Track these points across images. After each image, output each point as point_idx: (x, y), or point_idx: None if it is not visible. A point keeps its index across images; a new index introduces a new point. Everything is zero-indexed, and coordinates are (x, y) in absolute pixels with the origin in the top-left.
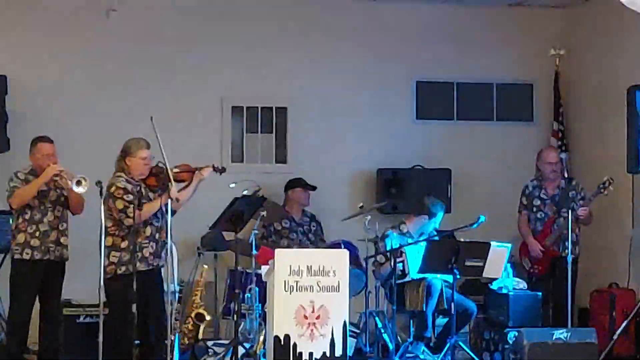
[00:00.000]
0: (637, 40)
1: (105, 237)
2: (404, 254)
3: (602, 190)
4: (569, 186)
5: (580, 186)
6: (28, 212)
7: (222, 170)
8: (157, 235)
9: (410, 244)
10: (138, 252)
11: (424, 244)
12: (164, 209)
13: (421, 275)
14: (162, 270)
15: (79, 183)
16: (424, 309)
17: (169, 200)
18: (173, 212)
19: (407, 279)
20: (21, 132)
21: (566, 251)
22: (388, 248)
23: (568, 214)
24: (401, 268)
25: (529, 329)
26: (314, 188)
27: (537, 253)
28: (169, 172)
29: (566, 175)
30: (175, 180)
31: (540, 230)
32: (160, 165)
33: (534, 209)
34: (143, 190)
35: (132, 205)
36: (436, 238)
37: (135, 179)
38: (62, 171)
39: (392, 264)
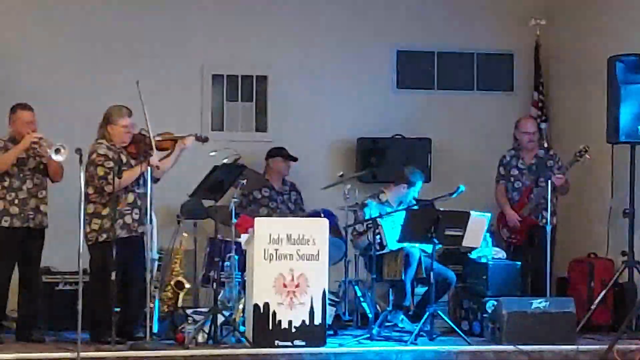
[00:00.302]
0: (618, 11)
1: (86, 204)
2: (380, 227)
3: (578, 158)
4: (547, 155)
5: (558, 156)
6: (7, 179)
7: (205, 139)
8: (139, 202)
9: (389, 213)
10: (119, 220)
11: (402, 213)
12: (146, 176)
13: (399, 245)
14: (145, 237)
15: (57, 151)
16: (403, 278)
17: (150, 168)
18: (155, 180)
19: (386, 250)
20: (0, 100)
21: (544, 220)
22: (367, 217)
23: (546, 183)
24: (379, 240)
25: (508, 298)
26: (294, 159)
27: (514, 223)
28: (151, 139)
29: (546, 145)
30: (157, 148)
31: (518, 200)
32: (142, 132)
33: (512, 179)
34: (124, 157)
35: (112, 172)
36: (415, 207)
37: (116, 146)
38: (41, 139)
39: (371, 236)
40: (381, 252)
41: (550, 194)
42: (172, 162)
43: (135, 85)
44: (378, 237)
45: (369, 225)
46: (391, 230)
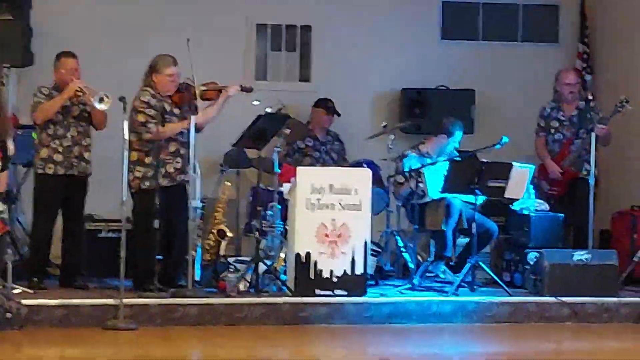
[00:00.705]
0: None
1: (130, 152)
2: (422, 175)
3: (619, 109)
4: (587, 107)
5: (598, 107)
6: (51, 127)
7: (250, 89)
8: (181, 151)
9: (429, 164)
10: (162, 168)
11: (444, 164)
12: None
13: (441, 195)
14: (187, 186)
15: (101, 100)
16: (444, 229)
17: (193, 119)
18: (199, 130)
19: (427, 199)
20: (45, 47)
21: (584, 172)
22: (406, 169)
23: (589, 135)
24: (421, 188)
25: (550, 250)
26: (337, 113)
27: (555, 175)
28: (196, 89)
29: (590, 97)
30: (201, 98)
31: (558, 152)
32: (187, 82)
33: (552, 131)
34: (167, 106)
35: (153, 120)
36: (457, 158)
37: (161, 95)
38: (85, 87)
39: (414, 184)
40: (423, 201)
41: (592, 145)
42: (216, 112)
43: (186, 42)
44: (420, 184)
45: (412, 174)
46: (432, 180)
